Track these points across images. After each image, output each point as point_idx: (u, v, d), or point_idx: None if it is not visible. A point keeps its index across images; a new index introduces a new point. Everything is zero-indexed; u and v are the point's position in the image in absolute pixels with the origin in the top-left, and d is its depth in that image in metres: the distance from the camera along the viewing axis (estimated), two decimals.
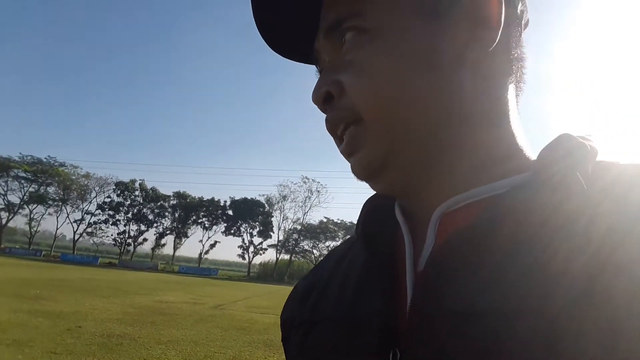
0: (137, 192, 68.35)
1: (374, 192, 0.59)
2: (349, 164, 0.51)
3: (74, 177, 63.80)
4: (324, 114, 0.53)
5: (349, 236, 0.69)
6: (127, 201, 67.94)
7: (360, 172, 0.50)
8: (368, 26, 0.48)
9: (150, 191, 69.31)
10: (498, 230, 0.42)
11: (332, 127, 0.51)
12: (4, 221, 60.95)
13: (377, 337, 0.45)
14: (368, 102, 0.47)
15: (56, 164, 61.79)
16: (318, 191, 68.26)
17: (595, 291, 0.35)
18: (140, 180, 69.11)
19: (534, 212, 0.41)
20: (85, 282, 19.42)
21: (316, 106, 0.52)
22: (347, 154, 0.50)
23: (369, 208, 0.58)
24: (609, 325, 0.33)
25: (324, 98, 0.50)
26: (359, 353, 0.47)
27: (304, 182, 68.81)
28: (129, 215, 68.74)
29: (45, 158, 60.92)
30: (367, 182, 0.51)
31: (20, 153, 71.81)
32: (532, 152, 0.51)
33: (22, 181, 59.91)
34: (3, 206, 60.41)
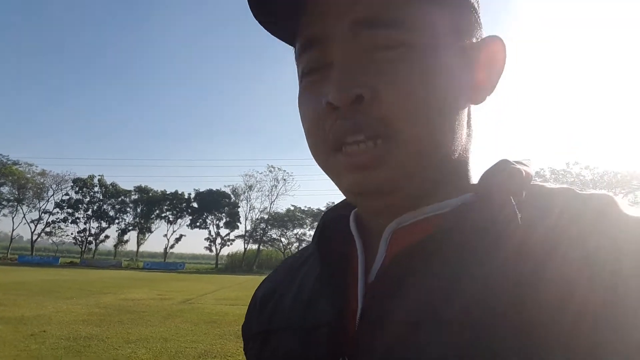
0: (96, 189, 66.73)
1: (337, 204, 0.64)
2: (348, 178, 0.48)
3: (29, 176, 61.46)
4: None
5: (305, 245, 0.70)
6: (86, 198, 66.20)
7: (370, 188, 0.48)
8: (409, 39, 0.47)
9: (110, 187, 67.60)
10: (441, 247, 0.45)
11: (351, 132, 0.47)
12: None
13: (326, 345, 0.47)
14: (409, 120, 0.46)
15: (9, 162, 59.47)
16: (284, 179, 68.21)
17: (527, 300, 0.38)
18: (99, 176, 67.37)
19: (473, 230, 0.45)
20: (46, 284, 18.94)
21: (330, 102, 0.47)
22: (358, 167, 0.47)
23: (327, 220, 0.60)
24: (542, 333, 0.37)
25: (353, 100, 0.46)
26: None
27: (270, 172, 68.52)
28: (89, 212, 66.87)
29: None
30: (367, 198, 0.50)
31: None
32: (475, 175, 0.55)
33: None
34: None
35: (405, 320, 0.43)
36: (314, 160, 0.54)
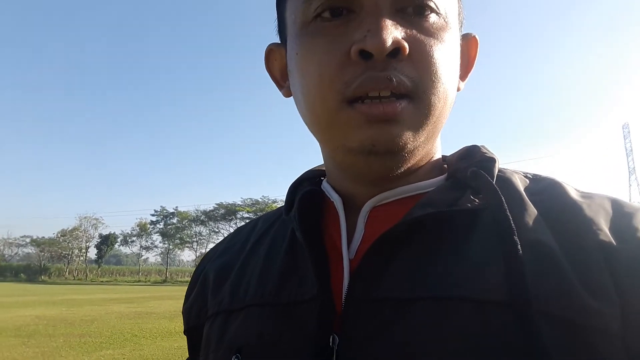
0: None
1: (302, 176, 0.63)
2: (364, 132, 0.46)
3: None
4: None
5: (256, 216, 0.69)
6: None
7: (384, 144, 0.46)
8: (441, 11, 0.48)
9: None
10: (425, 227, 0.46)
11: (383, 86, 0.44)
12: None
13: (316, 322, 0.45)
14: (432, 87, 0.46)
15: (269, 201, 65.73)
16: None
17: (511, 274, 0.41)
18: None
19: (457, 210, 0.46)
20: None
21: (365, 50, 0.44)
22: (379, 120, 0.45)
23: (304, 193, 0.56)
24: (526, 309, 0.39)
25: (392, 51, 0.44)
26: (295, 337, 0.47)
27: None
28: None
29: (261, 198, 65.27)
30: (374, 156, 0.47)
31: (241, 197, 77.49)
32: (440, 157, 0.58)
33: (247, 221, 64.98)
34: None
35: (395, 297, 0.43)
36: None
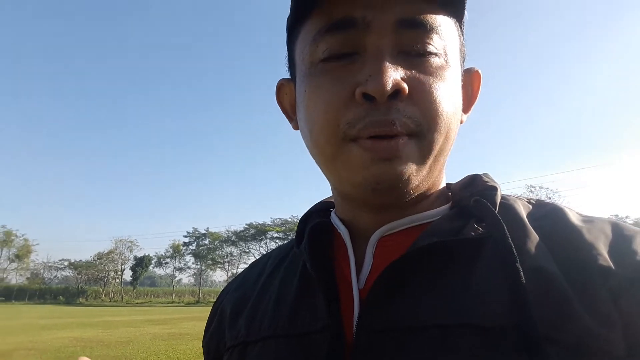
0: None
1: (312, 209, 0.65)
2: (369, 170, 0.47)
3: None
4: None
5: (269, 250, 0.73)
6: None
7: (388, 181, 0.47)
8: (441, 50, 0.50)
9: None
10: (430, 256, 0.47)
11: (387, 126, 0.46)
12: None
13: (326, 352, 0.46)
14: (432, 125, 0.48)
15: (298, 220, 68.38)
16: None
17: (515, 301, 0.42)
18: None
19: (461, 239, 0.48)
20: None
21: (367, 93, 0.46)
22: (383, 159, 0.47)
23: (313, 225, 0.58)
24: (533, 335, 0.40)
25: (393, 93, 0.46)
26: None
27: None
28: None
29: (290, 217, 66.90)
30: (379, 192, 0.49)
31: (271, 217, 78.62)
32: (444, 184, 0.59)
33: (277, 240, 66.30)
34: None
35: (405, 326, 0.44)
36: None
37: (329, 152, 0.50)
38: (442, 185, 0.58)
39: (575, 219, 0.51)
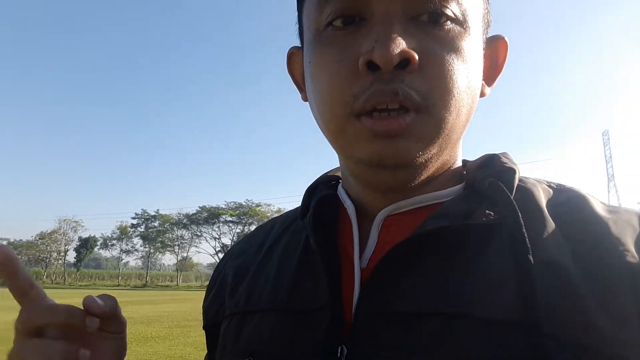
0: None
1: (318, 180, 0.63)
2: (370, 146, 0.45)
3: (269, 214, 66.63)
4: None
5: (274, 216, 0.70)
6: None
7: (391, 159, 0.45)
8: (457, 16, 0.46)
9: None
10: (438, 240, 0.45)
11: (389, 99, 0.43)
12: None
13: (325, 332, 0.46)
14: (442, 100, 0.45)
15: (253, 204, 65.70)
16: None
17: (523, 295, 0.40)
18: None
19: (471, 224, 0.45)
20: None
21: (372, 61, 0.43)
22: (386, 135, 0.44)
23: (319, 198, 0.57)
24: (538, 330, 0.39)
25: (400, 62, 0.42)
26: (305, 345, 0.47)
27: None
28: None
29: (245, 201, 65.32)
30: (382, 170, 0.47)
31: (225, 201, 76.53)
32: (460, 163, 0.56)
33: (230, 224, 65.28)
34: (220, 248, 66.19)
35: (405, 312, 0.43)
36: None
37: (333, 128, 0.48)
38: (458, 164, 0.55)
39: (599, 208, 0.48)
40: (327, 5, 0.47)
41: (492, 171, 0.51)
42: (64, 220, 66.64)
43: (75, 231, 67.47)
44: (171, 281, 70.50)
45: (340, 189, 0.59)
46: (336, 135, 0.49)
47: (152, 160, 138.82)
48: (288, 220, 0.65)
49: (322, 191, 0.59)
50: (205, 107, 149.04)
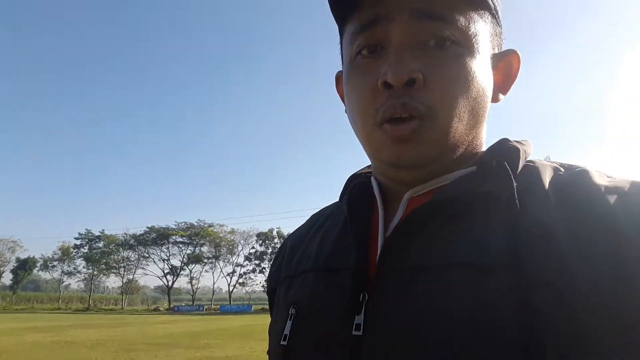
0: (275, 240, 66.78)
1: (358, 171, 0.75)
2: (389, 150, 0.55)
3: (221, 235, 65.22)
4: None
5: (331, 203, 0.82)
6: (269, 249, 66.65)
7: (407, 162, 0.55)
8: (459, 38, 0.54)
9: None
10: (443, 210, 0.54)
11: (399, 110, 0.53)
12: (170, 283, 65.42)
13: (350, 284, 0.55)
14: (446, 110, 0.54)
15: (205, 225, 64.02)
16: None
17: (511, 246, 0.48)
18: (277, 228, 68.54)
19: (471, 194, 0.54)
20: (242, 329, 20.44)
21: (386, 82, 0.53)
22: (399, 140, 0.54)
23: (355, 184, 0.68)
24: (527, 283, 0.45)
25: (407, 82, 0.52)
26: (336, 294, 0.57)
27: None
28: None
29: (196, 222, 63.78)
30: (401, 170, 0.58)
31: (175, 221, 74.90)
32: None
33: (180, 245, 63.76)
34: (168, 270, 64.63)
35: (417, 265, 0.52)
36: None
37: (363, 135, 0.59)
38: (476, 157, 0.62)
39: (599, 180, 0.52)
40: (356, 40, 0.57)
41: (499, 152, 0.58)
42: (1, 240, 63.52)
43: (12, 252, 64.48)
44: (115, 304, 68.67)
45: (372, 179, 0.68)
46: (365, 141, 0.59)
47: (99, 178, 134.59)
48: (335, 207, 0.77)
49: (358, 179, 0.70)
50: (157, 123, 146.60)
